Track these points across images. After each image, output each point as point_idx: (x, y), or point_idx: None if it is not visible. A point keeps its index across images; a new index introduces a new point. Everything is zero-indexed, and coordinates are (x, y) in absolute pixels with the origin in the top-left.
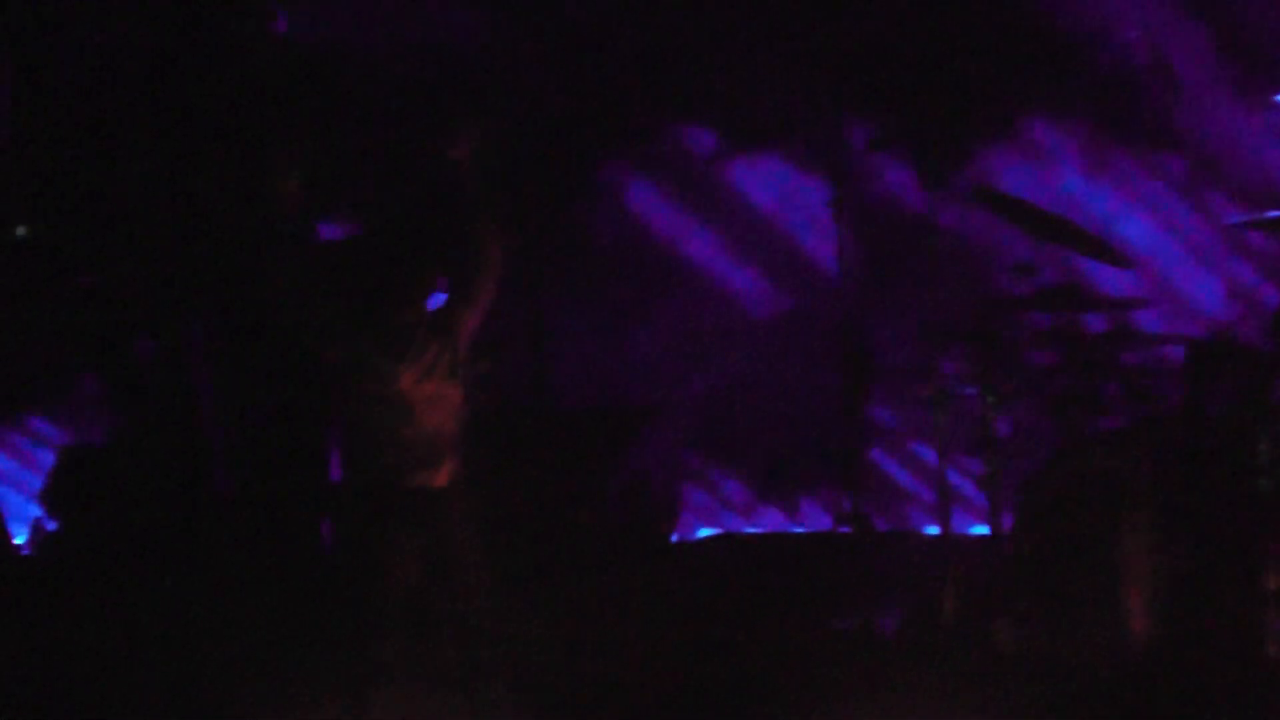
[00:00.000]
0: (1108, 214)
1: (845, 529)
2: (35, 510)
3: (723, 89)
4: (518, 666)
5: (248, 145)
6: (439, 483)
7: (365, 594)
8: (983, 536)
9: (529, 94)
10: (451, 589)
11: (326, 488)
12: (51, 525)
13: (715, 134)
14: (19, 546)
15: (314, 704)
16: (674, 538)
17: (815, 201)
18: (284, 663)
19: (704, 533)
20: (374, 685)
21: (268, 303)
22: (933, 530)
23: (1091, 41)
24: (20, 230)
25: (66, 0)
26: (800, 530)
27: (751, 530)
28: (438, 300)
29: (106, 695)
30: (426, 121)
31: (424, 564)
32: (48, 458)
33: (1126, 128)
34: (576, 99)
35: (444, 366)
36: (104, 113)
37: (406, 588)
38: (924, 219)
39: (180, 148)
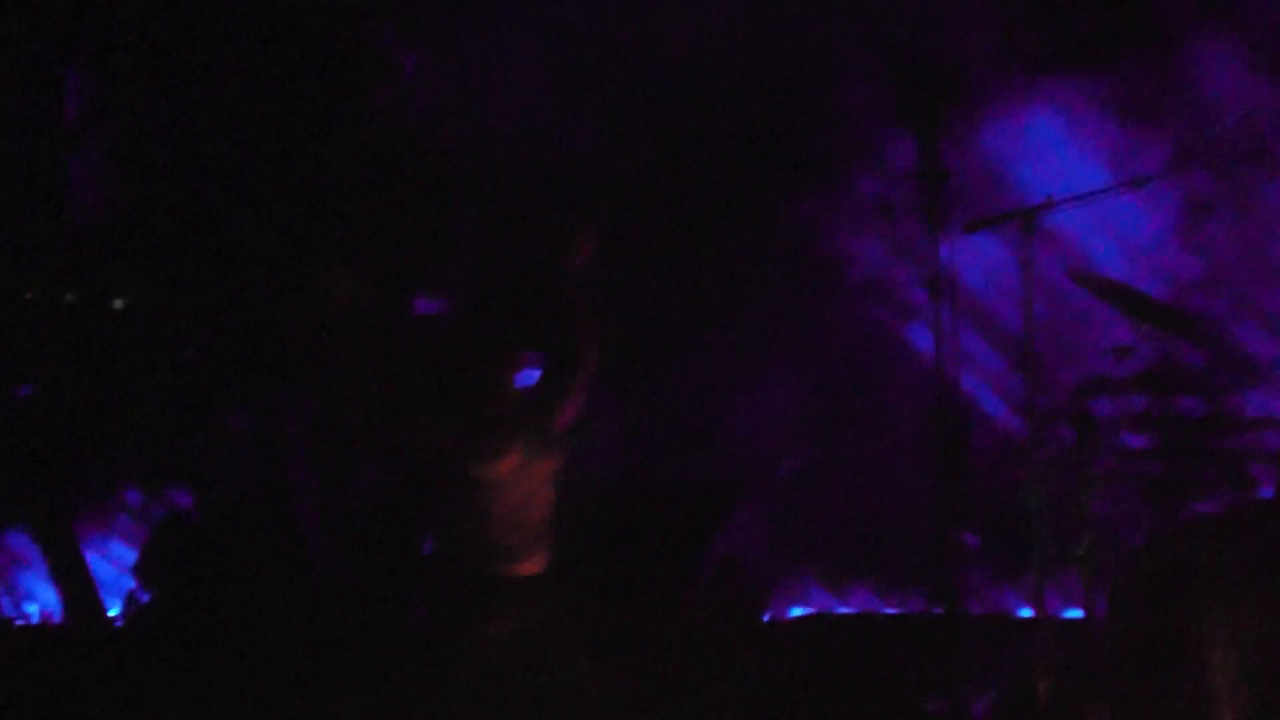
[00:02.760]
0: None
1: (937, 610)
2: (129, 582)
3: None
4: None
5: (351, 223)
6: (527, 571)
7: (441, 678)
8: (1076, 620)
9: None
10: (542, 679)
11: (419, 568)
12: (145, 597)
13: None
14: (113, 619)
15: None
16: (766, 617)
17: (912, 280)
18: None
19: (796, 612)
20: None
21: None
22: (1026, 612)
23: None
24: (118, 303)
25: (177, 73)
26: (892, 611)
27: (844, 610)
28: (530, 378)
29: None
30: (541, 220)
31: (509, 650)
32: (143, 531)
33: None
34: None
35: (535, 453)
36: (208, 185)
37: (486, 674)
38: (1019, 299)
39: (283, 224)
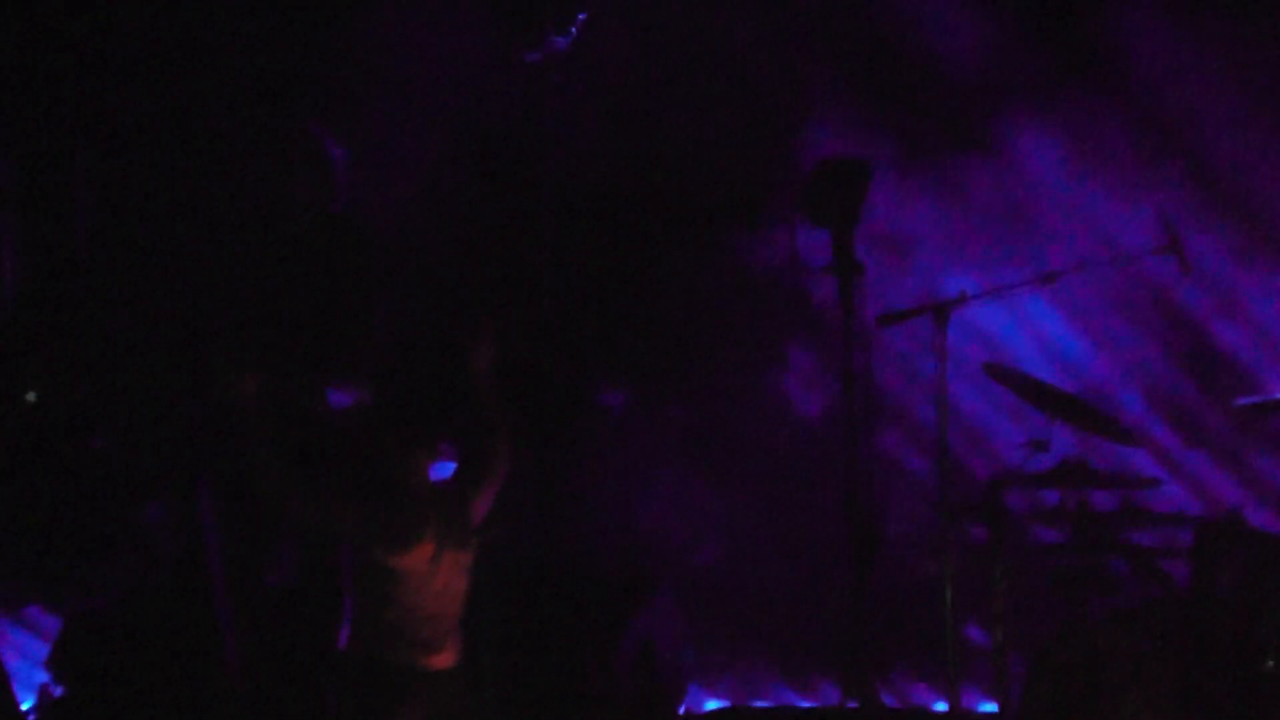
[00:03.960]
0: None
1: (852, 704)
2: (42, 676)
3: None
4: None
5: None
6: (440, 664)
7: None
8: (990, 714)
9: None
10: None
11: (333, 659)
12: (58, 691)
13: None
14: (25, 713)
15: None
16: (681, 709)
17: (826, 372)
18: None
19: (710, 706)
20: None
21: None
22: (941, 706)
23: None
24: (30, 396)
25: (82, 161)
26: (807, 704)
27: (759, 704)
28: (445, 469)
29: None
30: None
31: None
32: (54, 623)
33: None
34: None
35: (451, 544)
36: (120, 273)
37: None
38: (934, 392)
39: (195, 308)
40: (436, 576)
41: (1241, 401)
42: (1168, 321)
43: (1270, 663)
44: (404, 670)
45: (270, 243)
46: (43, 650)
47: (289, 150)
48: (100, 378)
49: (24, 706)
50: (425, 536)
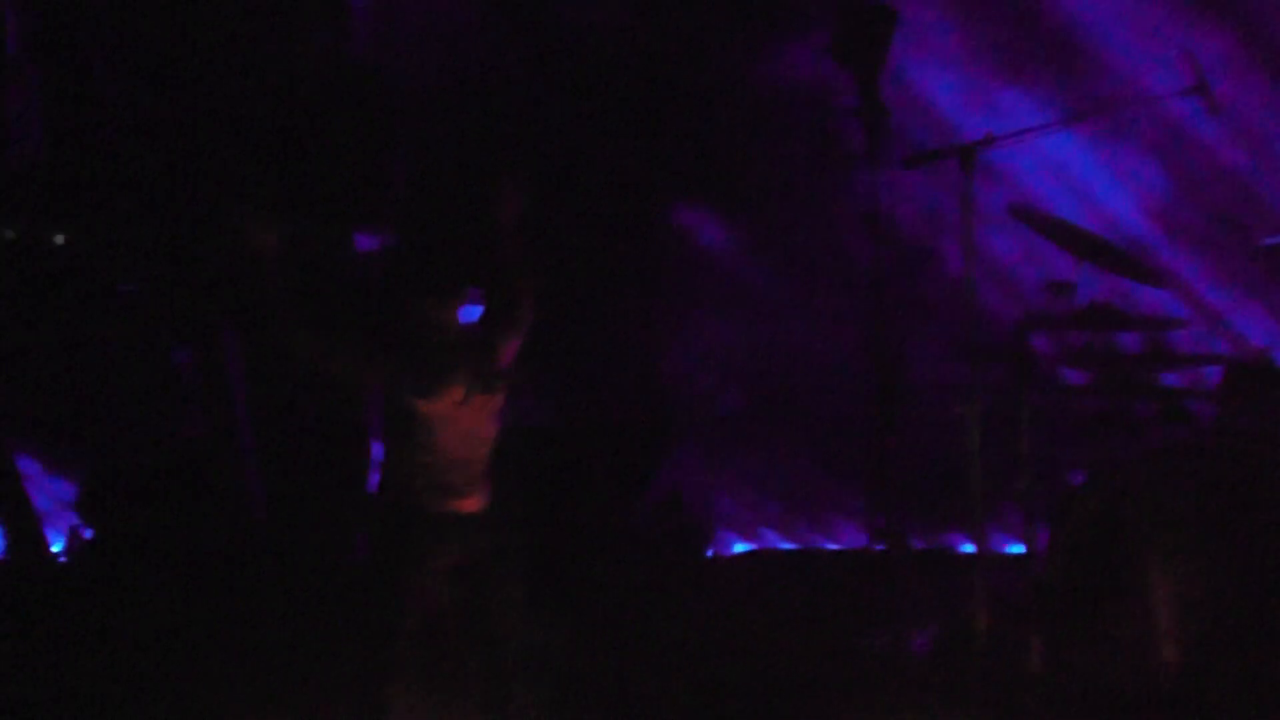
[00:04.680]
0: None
1: (879, 546)
2: (70, 518)
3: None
4: (545, 679)
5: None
6: (469, 508)
7: (385, 611)
8: (1017, 555)
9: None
10: (481, 612)
11: (362, 503)
12: (88, 533)
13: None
14: (56, 554)
15: (333, 711)
16: (709, 553)
17: (852, 216)
18: (306, 671)
19: (739, 549)
20: (391, 693)
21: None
22: (968, 548)
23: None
24: (59, 238)
25: (108, 10)
26: (834, 547)
27: (786, 546)
28: (472, 313)
29: (129, 698)
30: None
31: (451, 585)
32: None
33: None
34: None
35: (478, 388)
36: (145, 121)
37: (431, 608)
38: (960, 236)
39: (218, 159)
40: (464, 420)
41: (1268, 241)
42: (1195, 165)
43: None
44: (433, 514)
45: (289, 89)
46: (69, 492)
47: None
48: (129, 222)
49: (54, 548)
50: (454, 381)
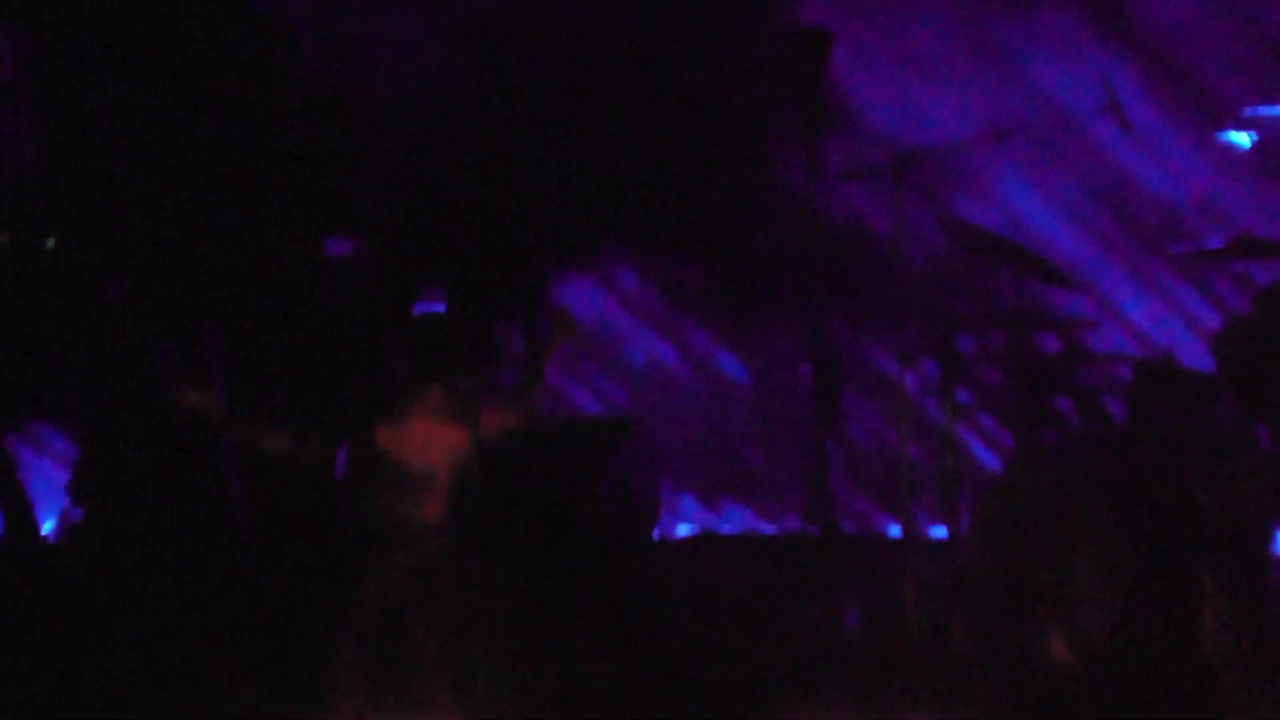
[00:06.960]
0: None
1: (813, 530)
2: (60, 501)
3: None
4: (503, 660)
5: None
6: (429, 516)
7: (348, 608)
8: (942, 540)
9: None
10: (432, 609)
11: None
12: (77, 514)
13: None
14: (46, 536)
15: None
16: (656, 536)
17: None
18: (276, 663)
19: (682, 532)
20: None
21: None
22: (895, 532)
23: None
24: (50, 242)
25: (93, 20)
26: (770, 530)
27: (726, 529)
28: (430, 307)
29: (116, 685)
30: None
31: (409, 584)
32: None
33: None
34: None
35: (446, 408)
36: (130, 129)
37: (389, 603)
38: (892, 245)
39: (200, 167)
40: (426, 441)
41: (1177, 249)
42: (1108, 178)
43: (1199, 493)
44: (395, 523)
45: (254, 119)
46: (62, 475)
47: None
48: (116, 225)
49: (44, 529)
50: (416, 402)
